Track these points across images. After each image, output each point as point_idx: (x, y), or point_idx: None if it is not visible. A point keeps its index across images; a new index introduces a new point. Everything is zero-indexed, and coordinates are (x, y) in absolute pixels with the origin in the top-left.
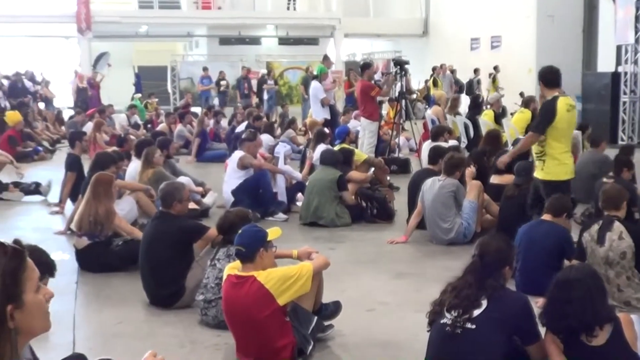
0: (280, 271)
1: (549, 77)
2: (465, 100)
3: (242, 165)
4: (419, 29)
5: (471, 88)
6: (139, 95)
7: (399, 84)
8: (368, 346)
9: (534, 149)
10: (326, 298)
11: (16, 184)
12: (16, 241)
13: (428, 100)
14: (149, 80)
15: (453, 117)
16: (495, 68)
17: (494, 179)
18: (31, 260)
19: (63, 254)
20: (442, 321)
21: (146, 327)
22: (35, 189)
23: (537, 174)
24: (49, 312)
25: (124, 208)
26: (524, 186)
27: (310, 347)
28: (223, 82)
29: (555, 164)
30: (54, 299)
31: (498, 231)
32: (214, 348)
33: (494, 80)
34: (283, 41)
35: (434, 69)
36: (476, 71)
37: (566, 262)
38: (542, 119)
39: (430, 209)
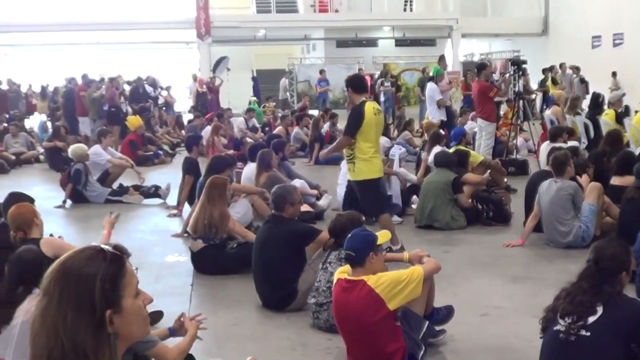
0: (390, 275)
1: (357, 84)
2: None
3: None
4: (538, 27)
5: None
6: (255, 98)
7: (516, 84)
8: (481, 352)
9: (345, 152)
10: (439, 302)
11: (136, 187)
12: (116, 246)
13: (546, 100)
14: (267, 83)
15: (573, 117)
16: None
17: (615, 181)
18: (130, 266)
19: (179, 256)
20: (555, 328)
21: (259, 329)
22: (154, 192)
23: (350, 175)
24: (148, 317)
25: (239, 211)
26: None
27: (422, 353)
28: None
29: (364, 164)
30: (170, 300)
31: (618, 235)
32: (325, 351)
33: None
34: (400, 42)
35: (543, 70)
36: (578, 69)
37: None
38: (352, 122)
39: (547, 212)
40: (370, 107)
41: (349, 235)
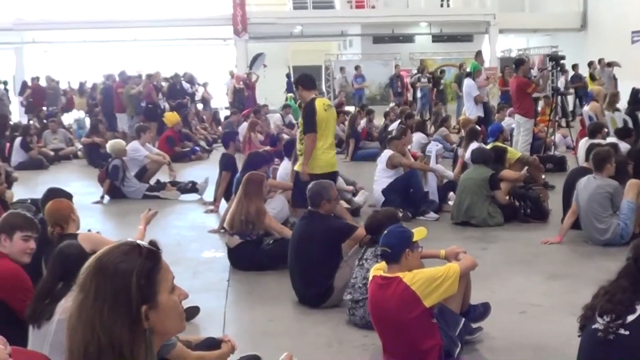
0: (426, 272)
1: (307, 81)
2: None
3: (392, 165)
4: (576, 22)
5: None
6: (291, 94)
7: (554, 80)
8: (518, 350)
9: (298, 146)
10: (475, 299)
11: (173, 183)
12: (152, 242)
13: (579, 96)
14: None
15: (611, 114)
16: None
17: None
18: (166, 262)
19: (216, 252)
20: (593, 326)
21: (295, 326)
22: (191, 187)
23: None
24: (184, 313)
25: (276, 207)
26: None
27: (458, 350)
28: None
29: (311, 160)
30: (207, 296)
31: None
32: (361, 348)
33: None
34: (437, 38)
35: (573, 66)
36: (610, 65)
37: None
38: (307, 118)
39: (585, 209)
40: (320, 103)
41: (385, 231)
